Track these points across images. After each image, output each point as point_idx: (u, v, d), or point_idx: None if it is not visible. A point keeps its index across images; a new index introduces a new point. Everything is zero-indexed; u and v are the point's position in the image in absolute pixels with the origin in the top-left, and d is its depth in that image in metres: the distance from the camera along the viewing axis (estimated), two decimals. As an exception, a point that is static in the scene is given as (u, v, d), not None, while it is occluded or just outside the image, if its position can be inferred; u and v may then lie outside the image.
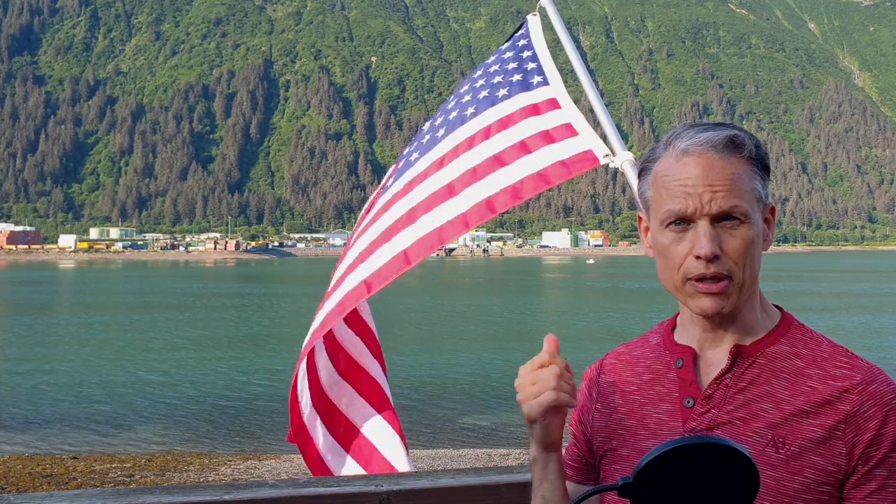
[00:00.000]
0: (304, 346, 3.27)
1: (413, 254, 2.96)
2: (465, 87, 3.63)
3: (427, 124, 3.69)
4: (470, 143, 3.26)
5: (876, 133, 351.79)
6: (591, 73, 3.50)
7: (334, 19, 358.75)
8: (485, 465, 12.30)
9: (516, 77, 3.47)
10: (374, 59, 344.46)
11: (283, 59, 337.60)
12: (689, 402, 1.36)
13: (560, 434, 1.39)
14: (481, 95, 3.48)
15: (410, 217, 3.10)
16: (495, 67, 3.63)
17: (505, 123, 3.25)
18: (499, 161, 3.10)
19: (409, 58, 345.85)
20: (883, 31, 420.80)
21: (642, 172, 1.45)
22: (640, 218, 1.49)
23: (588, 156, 3.01)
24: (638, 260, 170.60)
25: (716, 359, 1.38)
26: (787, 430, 1.29)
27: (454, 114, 3.52)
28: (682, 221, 1.33)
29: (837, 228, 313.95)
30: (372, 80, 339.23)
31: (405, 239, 3.03)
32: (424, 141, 3.55)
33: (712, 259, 1.30)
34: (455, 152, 3.26)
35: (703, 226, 1.31)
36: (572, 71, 3.53)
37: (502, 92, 3.42)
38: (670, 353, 1.42)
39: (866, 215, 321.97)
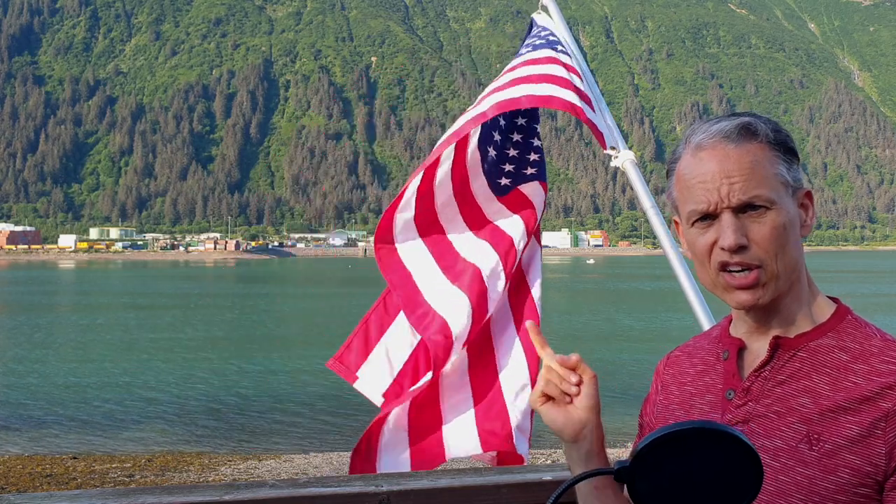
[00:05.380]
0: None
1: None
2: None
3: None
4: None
5: (876, 133, 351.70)
6: (591, 73, 3.62)
7: (334, 19, 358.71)
8: (485, 466, 12.29)
9: (540, 41, 3.74)
10: (374, 59, 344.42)
11: (283, 59, 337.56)
12: (730, 394, 1.34)
13: (600, 447, 1.33)
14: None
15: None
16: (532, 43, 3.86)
17: (529, 62, 3.57)
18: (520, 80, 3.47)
19: (409, 58, 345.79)
20: (883, 31, 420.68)
21: (668, 174, 1.42)
22: (675, 222, 1.45)
23: (598, 134, 3.20)
24: (638, 260, 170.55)
25: (760, 351, 1.34)
26: (824, 426, 1.24)
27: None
28: (707, 217, 1.30)
29: (837, 228, 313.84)
30: (372, 80, 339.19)
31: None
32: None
33: (738, 250, 1.27)
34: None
35: (726, 218, 1.28)
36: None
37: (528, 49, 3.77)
38: (722, 346, 1.41)
39: (866, 215, 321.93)
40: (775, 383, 1.29)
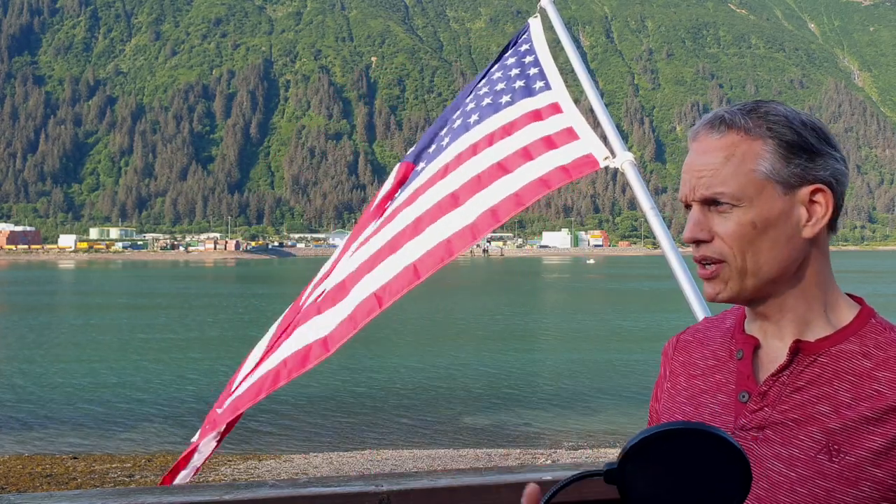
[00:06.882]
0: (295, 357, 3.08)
1: (422, 267, 2.93)
2: (470, 96, 3.67)
3: (429, 131, 3.72)
4: (473, 150, 3.25)
5: (876, 133, 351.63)
6: (590, 73, 3.48)
7: (334, 19, 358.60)
8: (485, 466, 12.31)
9: (519, 83, 3.48)
10: (374, 59, 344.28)
11: (283, 59, 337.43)
12: (744, 396, 1.27)
13: None
14: (485, 103, 3.49)
15: (416, 228, 3.08)
16: (498, 74, 3.65)
17: (508, 130, 3.26)
18: (502, 168, 3.10)
19: (409, 58, 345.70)
20: (883, 31, 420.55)
21: None
22: None
23: (589, 159, 3.03)
24: (638, 260, 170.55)
25: (777, 353, 1.28)
26: (845, 437, 1.17)
27: (458, 122, 3.52)
28: (688, 207, 1.30)
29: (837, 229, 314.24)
30: (372, 80, 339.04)
31: (413, 251, 2.99)
32: (430, 150, 3.54)
33: (696, 242, 1.27)
34: (459, 160, 3.26)
35: (692, 210, 1.28)
36: (572, 71, 3.54)
37: (505, 98, 3.44)
38: (735, 342, 1.33)
39: (866, 215, 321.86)
40: (793, 389, 1.24)
